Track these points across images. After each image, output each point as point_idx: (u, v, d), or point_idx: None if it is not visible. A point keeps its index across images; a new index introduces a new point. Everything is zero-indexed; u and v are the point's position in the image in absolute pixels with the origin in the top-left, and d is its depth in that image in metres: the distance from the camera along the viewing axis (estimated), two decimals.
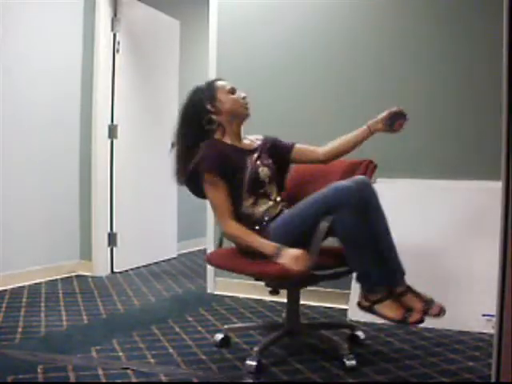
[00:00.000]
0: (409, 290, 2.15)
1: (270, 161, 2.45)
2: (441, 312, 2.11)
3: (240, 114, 2.41)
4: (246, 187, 2.30)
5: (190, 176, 2.34)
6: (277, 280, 2.26)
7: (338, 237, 2.14)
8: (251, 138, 2.53)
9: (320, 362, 2.30)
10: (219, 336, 2.50)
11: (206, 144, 2.33)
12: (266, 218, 2.30)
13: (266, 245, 2.15)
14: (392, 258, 2.15)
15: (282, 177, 2.53)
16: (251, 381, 2.09)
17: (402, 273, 2.16)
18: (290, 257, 2.07)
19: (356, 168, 2.43)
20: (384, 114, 2.33)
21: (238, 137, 2.44)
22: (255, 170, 2.34)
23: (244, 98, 2.42)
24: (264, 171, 2.37)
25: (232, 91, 2.41)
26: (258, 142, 2.50)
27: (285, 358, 2.36)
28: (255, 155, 2.41)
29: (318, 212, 2.12)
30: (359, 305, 2.20)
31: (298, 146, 2.52)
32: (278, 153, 2.50)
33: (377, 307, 2.14)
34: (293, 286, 2.38)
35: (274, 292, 2.33)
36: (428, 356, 2.37)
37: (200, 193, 2.41)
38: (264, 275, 2.24)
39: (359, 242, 2.10)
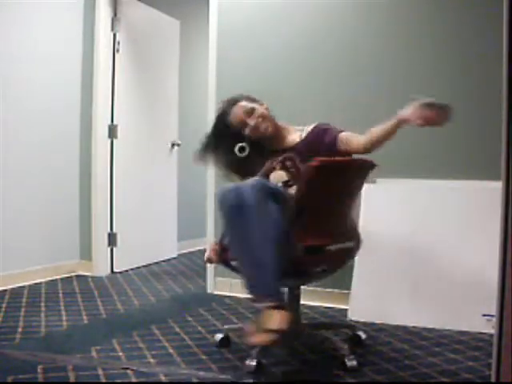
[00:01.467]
0: (268, 309, 1.95)
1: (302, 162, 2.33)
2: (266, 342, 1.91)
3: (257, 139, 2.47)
4: None
5: None
6: None
7: None
8: (299, 129, 2.52)
9: (320, 362, 2.30)
10: (219, 336, 2.50)
11: None
12: None
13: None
14: (256, 271, 2.03)
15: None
16: (251, 381, 2.09)
17: (263, 291, 2.01)
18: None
19: None
20: (413, 104, 2.18)
21: (273, 139, 2.50)
22: (267, 173, 2.37)
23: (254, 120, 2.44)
24: (277, 175, 2.35)
25: (248, 113, 2.46)
26: (301, 137, 2.48)
27: (285, 358, 2.36)
28: (280, 157, 2.37)
29: None
30: None
31: (342, 135, 2.40)
32: (322, 148, 2.38)
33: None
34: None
35: None
36: (428, 356, 2.37)
37: None
38: None
39: (232, 248, 2.17)
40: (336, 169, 2.22)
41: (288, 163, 2.35)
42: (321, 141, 2.42)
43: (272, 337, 1.89)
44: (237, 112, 2.46)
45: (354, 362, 2.17)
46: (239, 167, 2.49)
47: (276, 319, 1.91)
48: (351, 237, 2.37)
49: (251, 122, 2.44)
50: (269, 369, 2.20)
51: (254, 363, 2.13)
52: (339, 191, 2.26)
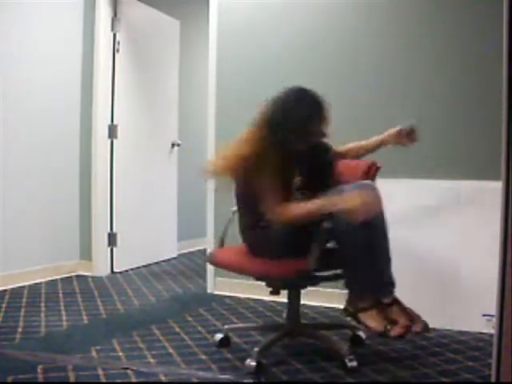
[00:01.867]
0: (396, 302, 2.13)
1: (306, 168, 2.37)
2: (424, 329, 2.11)
3: None
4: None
5: None
6: (280, 280, 2.28)
7: (335, 240, 2.15)
8: None
9: (320, 362, 2.30)
10: (219, 336, 2.50)
11: None
12: None
13: (327, 199, 2.08)
14: (386, 268, 2.14)
15: (322, 179, 2.38)
16: (251, 381, 2.09)
17: (393, 285, 2.15)
18: (357, 194, 2.02)
19: (360, 169, 2.45)
20: (394, 130, 2.46)
21: None
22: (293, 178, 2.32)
23: None
24: (296, 181, 2.32)
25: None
26: None
27: (285, 358, 2.35)
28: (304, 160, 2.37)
29: None
30: (345, 310, 2.20)
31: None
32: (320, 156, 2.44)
33: (361, 315, 2.13)
34: (294, 287, 2.38)
35: (275, 292, 2.35)
36: (428, 356, 2.37)
37: None
38: (269, 276, 2.27)
39: (354, 249, 2.09)
40: None
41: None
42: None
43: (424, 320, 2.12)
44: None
45: (354, 363, 2.17)
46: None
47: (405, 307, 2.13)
48: None
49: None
50: (269, 369, 2.20)
51: (253, 363, 2.13)
52: None
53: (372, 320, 2.10)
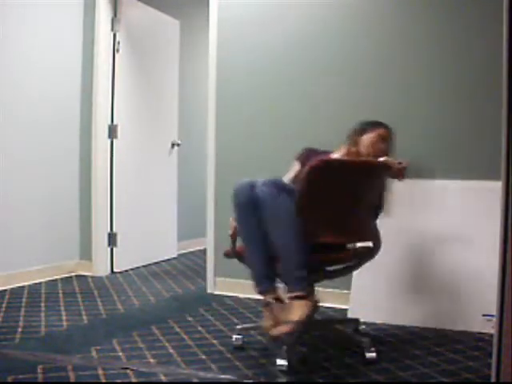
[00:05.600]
0: (276, 301, 2.17)
1: None
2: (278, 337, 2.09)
3: None
4: None
5: None
6: None
7: None
8: None
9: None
10: (239, 337, 2.47)
11: None
12: None
13: None
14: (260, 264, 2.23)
15: None
16: (251, 381, 2.08)
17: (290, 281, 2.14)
18: None
19: None
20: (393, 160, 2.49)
21: None
22: None
23: None
24: None
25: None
26: None
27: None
28: None
29: None
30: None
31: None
32: None
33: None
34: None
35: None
36: (428, 356, 2.37)
37: None
38: None
39: (243, 239, 2.29)
40: (336, 168, 2.26)
41: None
42: None
43: (295, 327, 2.01)
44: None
45: (373, 354, 2.26)
46: None
47: (301, 309, 2.05)
48: (366, 237, 2.37)
49: None
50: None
51: (286, 362, 2.11)
52: (343, 190, 2.28)
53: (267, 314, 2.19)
